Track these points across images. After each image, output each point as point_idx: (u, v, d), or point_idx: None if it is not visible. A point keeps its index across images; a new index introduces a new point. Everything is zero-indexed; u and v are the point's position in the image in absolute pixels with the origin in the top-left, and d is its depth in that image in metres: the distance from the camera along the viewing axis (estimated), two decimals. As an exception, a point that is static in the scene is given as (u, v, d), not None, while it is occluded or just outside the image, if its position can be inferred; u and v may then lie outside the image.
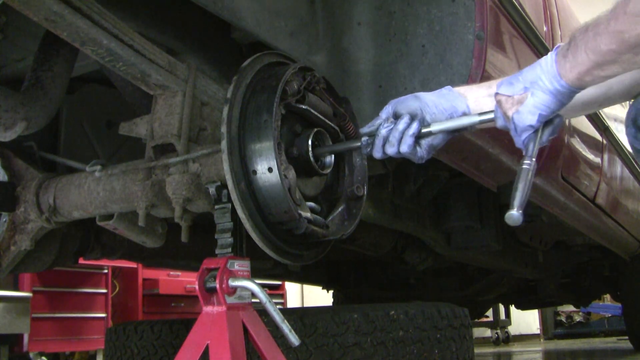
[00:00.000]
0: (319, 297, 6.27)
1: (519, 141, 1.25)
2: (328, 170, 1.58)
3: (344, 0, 1.96)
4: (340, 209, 1.61)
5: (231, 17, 1.56)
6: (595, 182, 3.23)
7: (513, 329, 9.50)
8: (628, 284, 5.25)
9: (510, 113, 1.24)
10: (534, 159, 1.22)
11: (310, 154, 1.49)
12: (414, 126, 1.33)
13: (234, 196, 1.35)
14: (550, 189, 2.71)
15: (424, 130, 1.35)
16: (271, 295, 6.16)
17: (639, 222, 4.36)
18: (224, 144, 1.35)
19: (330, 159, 1.57)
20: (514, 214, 1.17)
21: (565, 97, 1.19)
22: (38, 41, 1.62)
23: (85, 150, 2.09)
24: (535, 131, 1.23)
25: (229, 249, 1.44)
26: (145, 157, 1.54)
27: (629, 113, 1.20)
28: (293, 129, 1.53)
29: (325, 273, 4.61)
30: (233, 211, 1.42)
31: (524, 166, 1.21)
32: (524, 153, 1.24)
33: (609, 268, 5.55)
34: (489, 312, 8.06)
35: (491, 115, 1.30)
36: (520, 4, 2.10)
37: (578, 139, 2.92)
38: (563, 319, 10.58)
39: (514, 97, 1.23)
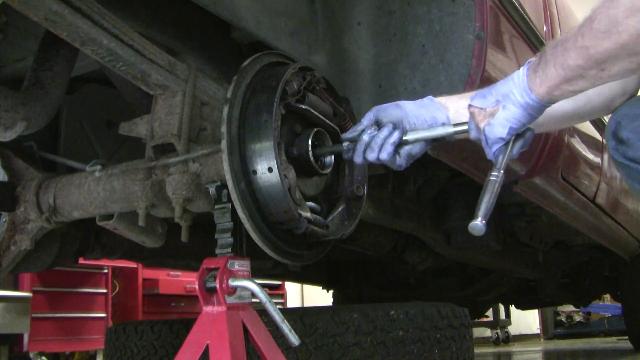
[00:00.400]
0: (319, 297, 6.26)
1: (489, 153, 1.27)
2: (328, 170, 1.58)
3: (344, 0, 1.96)
4: (340, 209, 1.61)
5: (231, 17, 1.55)
6: (595, 182, 3.23)
7: (513, 329, 9.49)
8: (628, 284, 5.25)
9: (482, 125, 1.25)
10: (502, 172, 1.24)
11: (310, 154, 1.49)
12: (395, 135, 1.36)
13: (234, 196, 1.35)
14: (550, 189, 2.71)
15: (403, 138, 1.38)
16: (271, 295, 6.16)
17: (639, 222, 4.36)
18: (224, 144, 1.35)
19: (330, 159, 1.57)
20: (478, 224, 1.19)
21: (535, 110, 1.20)
22: (38, 41, 1.62)
23: (85, 150, 2.09)
24: (506, 144, 1.25)
25: (229, 249, 1.44)
26: (145, 157, 1.54)
27: (608, 126, 1.22)
28: (293, 129, 1.53)
29: (325, 273, 4.61)
30: (233, 211, 1.42)
31: (492, 178, 1.24)
32: (494, 165, 1.26)
33: (609, 268, 5.55)
34: (489, 312, 8.05)
35: (465, 127, 1.32)
36: (520, 4, 2.10)
37: (578, 139, 2.92)
38: (563, 319, 10.58)
39: (487, 109, 1.25)
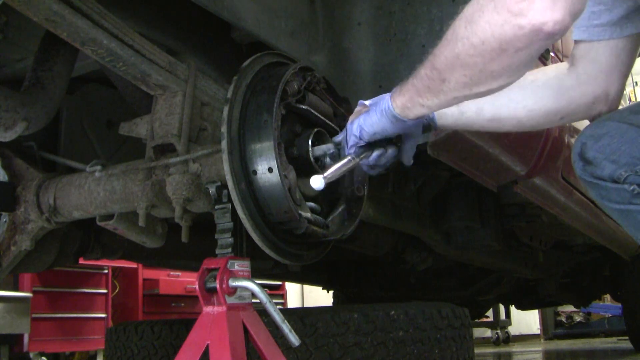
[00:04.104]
0: (319, 297, 6.26)
1: (345, 149, 1.36)
2: (328, 171, 1.57)
3: (344, 0, 1.96)
4: (340, 209, 1.61)
5: (231, 17, 1.55)
6: (595, 182, 3.21)
7: (513, 329, 9.49)
8: (628, 284, 5.24)
9: (349, 120, 1.36)
10: (356, 158, 1.33)
11: (310, 154, 1.49)
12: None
13: (234, 196, 1.35)
14: (550, 189, 2.71)
15: None
16: (271, 296, 6.14)
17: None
18: (224, 144, 1.35)
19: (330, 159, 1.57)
20: (319, 177, 1.27)
21: (390, 119, 1.28)
22: (38, 41, 1.62)
23: (85, 150, 2.08)
24: (363, 147, 1.34)
25: (229, 249, 1.44)
26: (146, 157, 1.54)
27: (574, 148, 1.24)
28: (293, 129, 1.53)
29: (325, 273, 4.61)
30: (233, 211, 1.42)
31: (349, 157, 1.34)
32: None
33: (609, 268, 5.55)
34: (489, 312, 8.05)
35: None
36: (520, 4, 2.09)
37: (578, 139, 2.91)
38: (563, 319, 10.56)
39: (362, 110, 1.34)
